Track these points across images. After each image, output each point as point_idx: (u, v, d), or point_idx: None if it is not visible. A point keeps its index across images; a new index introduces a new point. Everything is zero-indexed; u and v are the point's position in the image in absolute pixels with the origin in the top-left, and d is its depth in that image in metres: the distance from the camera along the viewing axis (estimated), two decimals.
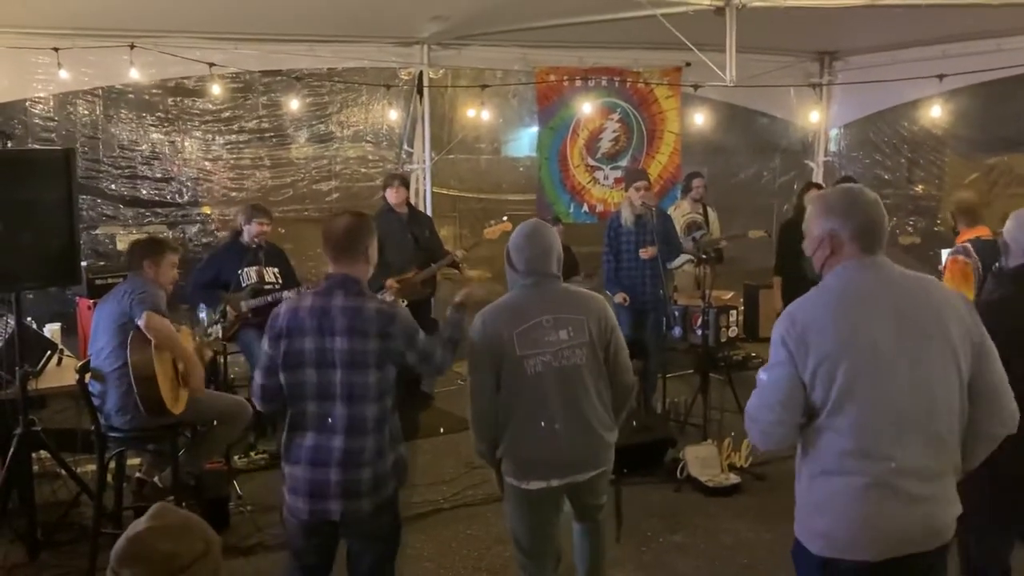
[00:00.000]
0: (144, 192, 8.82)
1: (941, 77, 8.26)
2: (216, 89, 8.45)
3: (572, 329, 3.69)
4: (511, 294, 3.83)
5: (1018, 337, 3.15)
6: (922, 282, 2.86)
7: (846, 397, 2.65)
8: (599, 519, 4.14)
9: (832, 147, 11.08)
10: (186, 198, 9.06)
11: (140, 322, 4.86)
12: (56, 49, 7.06)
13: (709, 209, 9.11)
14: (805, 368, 2.67)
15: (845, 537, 2.72)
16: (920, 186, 11.50)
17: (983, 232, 5.39)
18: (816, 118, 10.33)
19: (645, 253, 7.21)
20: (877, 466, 2.66)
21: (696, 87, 9.11)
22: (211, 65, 7.50)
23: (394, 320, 3.51)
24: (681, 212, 9.03)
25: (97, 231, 8.84)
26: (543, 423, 3.67)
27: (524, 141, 11.39)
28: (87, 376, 5.03)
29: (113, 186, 8.70)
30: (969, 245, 5.25)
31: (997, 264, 3.78)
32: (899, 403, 2.66)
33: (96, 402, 5.03)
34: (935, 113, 9.90)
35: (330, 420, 3.49)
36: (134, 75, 7.41)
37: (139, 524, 2.09)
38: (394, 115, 9.53)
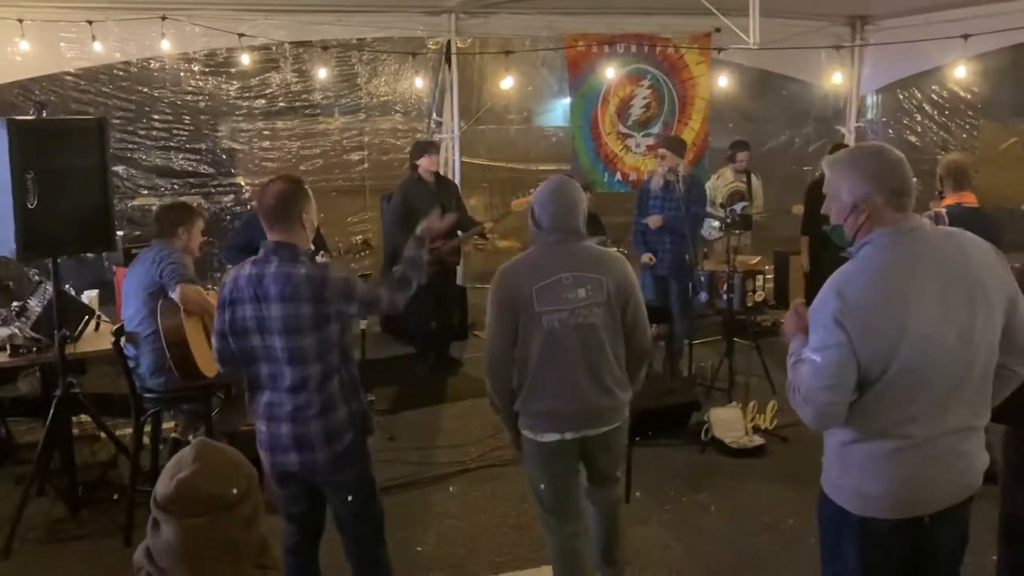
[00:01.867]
0: (178, 163, 8.97)
1: (966, 37, 8.13)
2: (246, 60, 8.55)
3: (591, 288, 3.73)
4: (533, 249, 3.84)
5: None
6: (957, 241, 2.83)
7: (899, 375, 2.66)
8: (615, 501, 4.16)
9: (867, 114, 10.99)
10: (220, 168, 9.18)
11: (174, 295, 4.97)
12: (90, 22, 7.20)
13: (754, 178, 9.09)
14: (863, 348, 2.65)
15: (885, 497, 2.74)
16: (954, 152, 11.37)
17: (968, 198, 5.26)
18: (839, 79, 10.22)
19: (651, 222, 7.25)
20: (926, 430, 2.70)
21: (720, 50, 9.07)
22: (240, 35, 7.60)
23: (325, 283, 3.51)
24: (724, 181, 9.04)
25: (133, 202, 9.00)
26: (558, 378, 3.72)
27: (557, 112, 11.40)
28: (122, 340, 5.16)
29: (147, 157, 8.86)
30: (943, 211, 5.11)
31: None
32: (948, 375, 2.68)
33: (131, 364, 5.16)
34: (966, 77, 9.77)
35: (279, 380, 3.58)
36: (165, 47, 7.53)
37: (185, 465, 2.12)
38: (422, 85, 9.60)
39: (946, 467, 2.75)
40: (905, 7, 9.35)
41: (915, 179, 2.88)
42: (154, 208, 9.00)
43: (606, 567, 4.16)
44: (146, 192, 8.82)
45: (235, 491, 2.12)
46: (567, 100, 10.03)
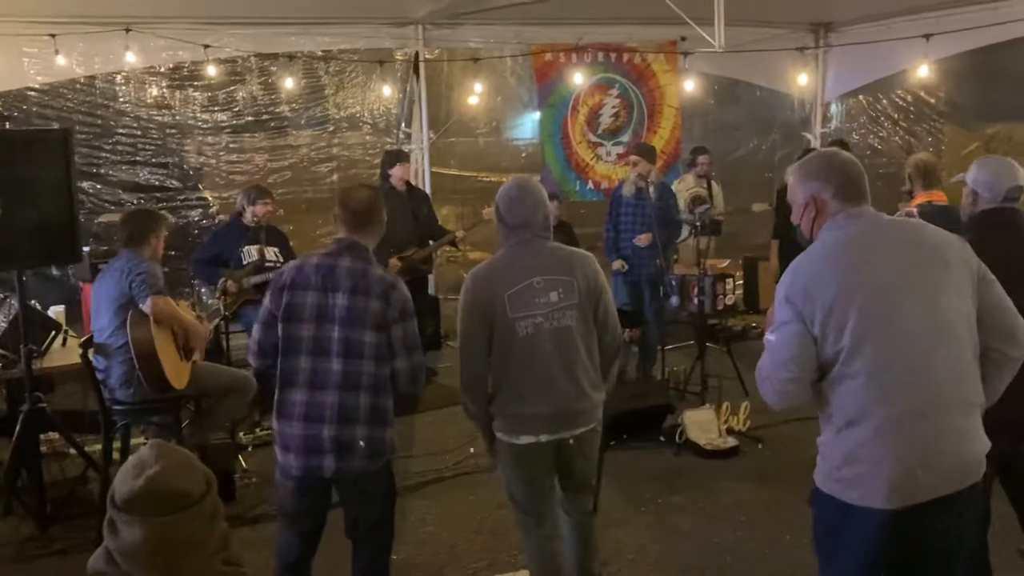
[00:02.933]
0: (144, 178, 8.88)
1: (928, 37, 8.26)
2: (212, 73, 8.51)
3: (563, 290, 3.71)
4: (501, 254, 3.82)
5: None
6: (915, 224, 2.94)
7: (861, 340, 2.67)
8: (588, 510, 4.12)
9: (832, 120, 11.11)
10: (186, 183, 9.11)
11: (145, 307, 4.92)
12: (52, 36, 7.13)
13: (713, 183, 9.16)
14: (814, 321, 2.69)
15: (879, 484, 2.71)
16: (921, 152, 11.50)
17: (938, 196, 5.33)
18: (804, 81, 10.33)
19: (640, 240, 7.28)
20: (904, 404, 2.68)
21: (686, 54, 9.15)
22: (206, 47, 7.56)
23: (395, 288, 3.63)
24: (685, 186, 9.10)
25: (100, 219, 8.90)
26: (534, 382, 3.70)
27: (527, 126, 11.41)
28: (90, 352, 5.10)
29: (113, 172, 8.75)
30: (914, 210, 5.17)
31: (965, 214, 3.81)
32: (916, 338, 2.68)
33: (100, 376, 5.10)
34: (929, 81, 9.91)
35: (324, 376, 3.57)
36: (130, 59, 7.47)
37: (148, 464, 2.08)
38: (390, 96, 9.59)
39: (938, 445, 2.70)
40: (866, 13, 9.48)
41: (879, 183, 2.95)
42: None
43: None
44: (112, 208, 8.70)
45: (199, 487, 2.10)
46: (537, 114, 10.09)
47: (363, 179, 9.41)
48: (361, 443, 3.59)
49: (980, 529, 3.63)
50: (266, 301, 3.73)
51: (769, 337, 2.81)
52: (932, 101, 10.52)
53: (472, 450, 6.24)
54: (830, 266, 2.76)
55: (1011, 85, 10.43)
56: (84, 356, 5.06)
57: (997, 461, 3.46)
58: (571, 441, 3.80)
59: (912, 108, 10.82)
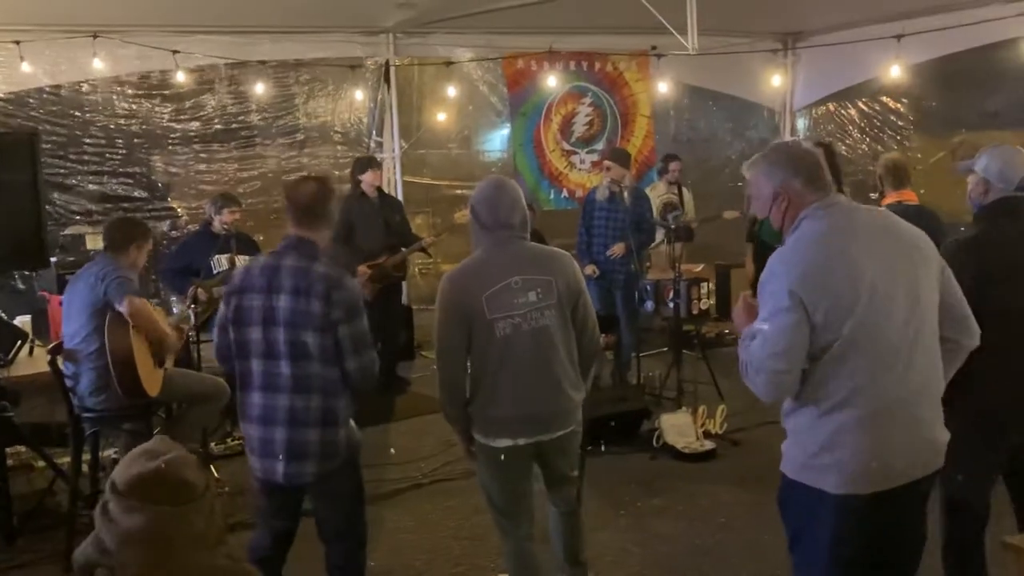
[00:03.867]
0: (112, 188, 8.73)
1: (899, 38, 8.36)
2: (181, 82, 8.42)
3: (541, 290, 3.66)
4: (477, 255, 3.76)
5: (1000, 268, 3.34)
6: (885, 215, 2.96)
7: (860, 329, 2.67)
8: (573, 501, 4.08)
9: (800, 129, 11.19)
10: (154, 193, 8.99)
11: (122, 308, 4.82)
12: (17, 42, 7.02)
13: (684, 190, 9.20)
14: (816, 311, 2.67)
15: (861, 469, 2.72)
16: (892, 152, 11.58)
17: (908, 196, 5.35)
18: (775, 88, 10.44)
19: (613, 252, 7.26)
20: (889, 394, 2.70)
21: (660, 56, 9.20)
22: (175, 52, 7.48)
23: (339, 287, 3.52)
24: (657, 193, 9.10)
25: (66, 231, 8.75)
26: (513, 384, 3.65)
27: (497, 138, 11.38)
28: (59, 359, 4.99)
29: (80, 183, 8.61)
30: (885, 209, 5.22)
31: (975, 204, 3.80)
32: (903, 329, 2.70)
33: (69, 383, 4.99)
34: (897, 89, 10.04)
35: (275, 379, 3.54)
36: (98, 65, 7.36)
37: (159, 453, 2.05)
38: (361, 106, 9.56)
39: (912, 434, 2.75)
40: (834, 23, 9.56)
41: (846, 190, 2.97)
42: (87, 237, 8.80)
43: (572, 568, 4.09)
44: (79, 218, 8.56)
45: (202, 482, 2.06)
46: (506, 129, 10.13)
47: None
48: (313, 446, 3.56)
49: (978, 527, 3.63)
50: (221, 306, 3.70)
51: (761, 327, 2.75)
52: (900, 108, 10.62)
53: (447, 462, 6.17)
54: (829, 257, 2.74)
55: (977, 93, 10.53)
56: (52, 363, 4.94)
57: (1007, 453, 3.51)
58: (551, 443, 3.76)
59: (879, 116, 10.91)
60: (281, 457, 3.55)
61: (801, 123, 11.34)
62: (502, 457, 3.71)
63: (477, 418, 3.74)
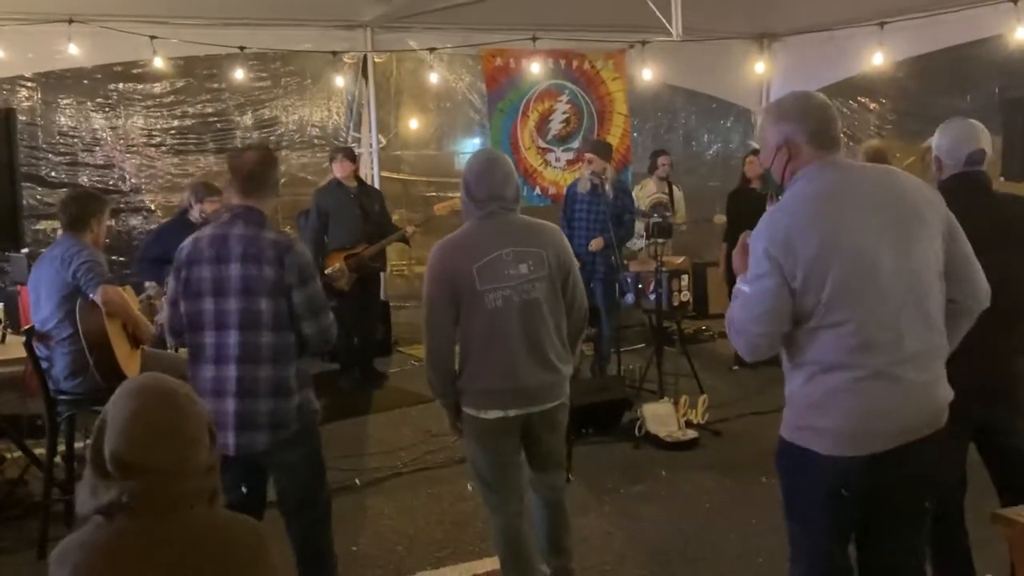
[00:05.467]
0: (85, 180, 8.59)
1: (882, 25, 8.47)
2: (158, 74, 8.34)
3: (532, 263, 3.64)
4: (468, 227, 3.74)
5: None
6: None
7: (840, 297, 2.64)
8: (560, 487, 4.02)
9: None
10: (129, 185, 8.86)
11: (96, 297, 4.71)
12: None
13: (675, 188, 9.15)
14: (794, 275, 2.65)
15: (850, 431, 2.70)
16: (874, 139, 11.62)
17: None
18: (755, 82, 10.47)
19: (593, 245, 7.23)
20: (880, 357, 2.67)
21: (644, 43, 9.22)
22: (152, 38, 7.39)
23: (290, 251, 3.50)
24: (647, 192, 9.06)
25: (38, 226, 8.60)
26: (502, 356, 3.62)
27: (473, 139, 11.31)
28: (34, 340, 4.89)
29: (53, 173, 8.47)
30: (893, 168, 5.22)
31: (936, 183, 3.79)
32: (891, 291, 2.67)
33: (44, 365, 4.89)
34: (871, 89, 10.12)
35: (225, 350, 3.49)
36: (73, 51, 7.25)
37: (161, 388, 2.04)
38: (339, 100, 9.50)
39: (906, 395, 2.71)
40: (811, 23, 9.62)
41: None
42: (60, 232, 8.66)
43: (554, 557, 4.00)
44: (53, 211, 8.41)
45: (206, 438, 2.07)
46: (477, 139, 10.15)
47: (311, 182, 9.28)
48: (263, 416, 3.51)
49: (957, 495, 3.62)
50: (170, 280, 3.65)
51: (743, 288, 2.76)
52: (877, 108, 10.69)
53: (428, 451, 6.12)
54: (809, 219, 2.71)
55: (955, 92, 10.56)
56: (28, 344, 4.84)
57: (971, 426, 3.48)
58: (539, 416, 3.73)
59: (856, 117, 10.97)
60: (232, 428, 3.49)
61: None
62: (492, 429, 3.67)
63: (466, 390, 3.69)
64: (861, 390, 2.68)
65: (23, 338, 5.15)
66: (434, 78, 9.30)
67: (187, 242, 3.64)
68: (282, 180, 9.05)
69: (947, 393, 2.81)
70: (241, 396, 3.48)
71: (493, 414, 3.66)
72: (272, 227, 3.59)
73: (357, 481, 5.66)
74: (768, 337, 2.74)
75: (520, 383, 3.64)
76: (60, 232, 5.11)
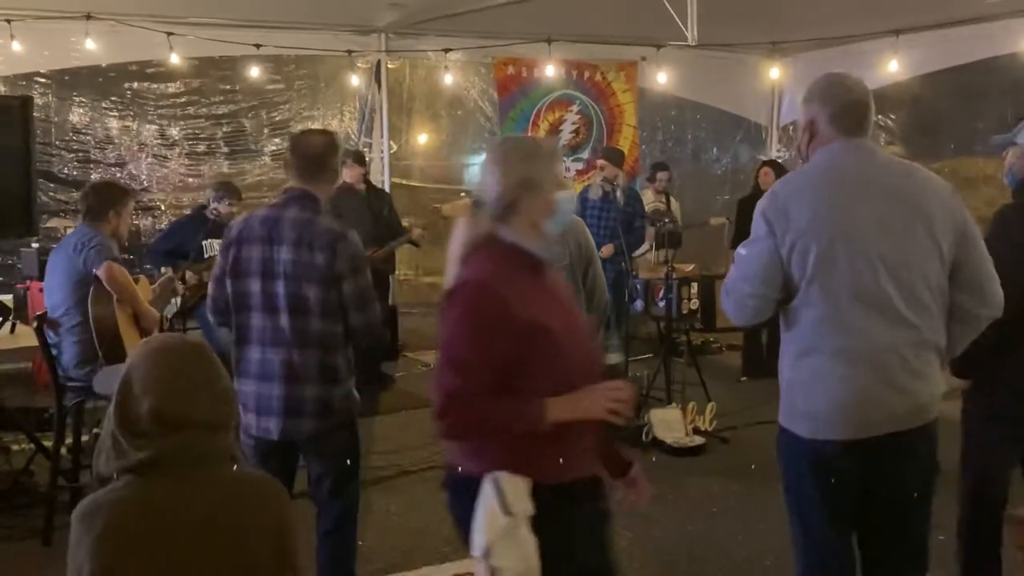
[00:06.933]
0: (97, 178, 8.55)
1: (898, 33, 8.49)
2: (172, 72, 8.38)
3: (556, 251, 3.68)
4: None
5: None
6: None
7: (821, 272, 2.67)
8: None
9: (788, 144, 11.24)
10: (141, 184, 8.88)
11: (99, 271, 4.72)
12: (9, 21, 6.93)
13: (672, 199, 9.19)
14: (783, 242, 2.69)
15: (828, 415, 2.72)
16: None
17: None
18: (777, 72, 10.47)
19: (603, 253, 7.22)
20: (864, 345, 2.67)
21: (659, 47, 9.27)
22: (169, 34, 7.42)
23: (343, 239, 3.44)
24: (645, 201, 9.08)
25: (48, 223, 8.62)
26: None
27: (484, 147, 11.35)
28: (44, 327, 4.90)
29: (66, 170, 8.50)
30: (913, 164, 5.20)
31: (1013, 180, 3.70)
32: (881, 285, 2.66)
33: (54, 351, 4.89)
34: (882, 106, 10.10)
35: (275, 333, 3.45)
36: (90, 46, 7.28)
37: (193, 344, 2.08)
38: (352, 105, 9.54)
39: (893, 387, 2.70)
40: (820, 36, 9.63)
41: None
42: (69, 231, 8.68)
43: None
44: (64, 209, 8.43)
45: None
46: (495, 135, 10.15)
47: None
48: (310, 403, 3.47)
49: (1000, 497, 3.55)
50: (219, 258, 3.62)
51: (740, 251, 2.82)
52: (887, 123, 10.69)
53: (435, 452, 6.08)
54: (809, 192, 2.76)
55: (965, 110, 10.56)
56: (39, 330, 4.84)
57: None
58: None
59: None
60: (277, 414, 3.46)
61: (792, 138, 11.36)
62: None
63: None
64: (849, 377, 2.70)
65: (31, 330, 5.19)
66: (448, 79, 9.30)
67: (238, 220, 3.61)
68: (292, 183, 9.11)
69: (935, 389, 2.80)
70: (288, 381, 3.44)
71: None
72: (327, 214, 3.53)
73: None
74: (756, 299, 2.78)
75: None
76: (80, 221, 5.13)
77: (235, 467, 2.04)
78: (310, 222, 3.43)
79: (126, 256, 7.83)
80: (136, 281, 5.05)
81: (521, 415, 2.38)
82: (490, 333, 2.34)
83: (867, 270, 2.67)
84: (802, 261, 2.68)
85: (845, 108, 2.80)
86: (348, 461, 3.70)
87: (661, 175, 9.06)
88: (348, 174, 7.64)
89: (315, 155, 3.54)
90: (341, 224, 3.53)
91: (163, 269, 5.56)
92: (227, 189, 6.83)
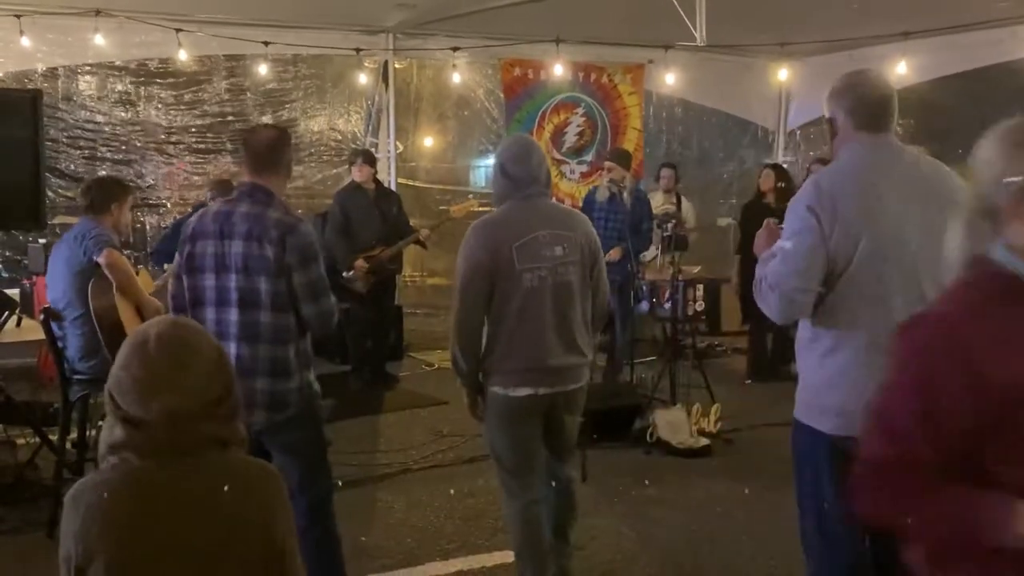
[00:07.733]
0: (103, 175, 8.61)
1: (906, 36, 8.46)
2: (180, 70, 8.40)
3: (567, 246, 3.69)
4: (507, 207, 3.75)
5: None
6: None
7: (862, 264, 2.68)
8: (573, 477, 4.10)
9: (794, 149, 11.24)
10: (146, 182, 8.90)
11: (100, 259, 4.71)
12: (18, 16, 6.95)
13: (683, 199, 9.18)
14: (831, 234, 2.69)
15: (855, 412, 2.69)
16: None
17: None
18: (784, 76, 10.43)
19: (611, 256, 7.21)
20: (888, 333, 2.67)
21: (667, 48, 9.26)
22: (178, 31, 7.44)
23: (292, 231, 3.43)
24: (655, 204, 9.07)
25: (54, 220, 8.62)
26: (534, 335, 3.65)
27: (490, 148, 11.36)
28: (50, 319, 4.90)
29: (72, 167, 8.51)
30: (936, 161, 5.23)
31: None
32: (910, 279, 2.68)
33: (59, 344, 4.89)
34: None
35: (226, 327, 3.46)
36: (99, 41, 7.29)
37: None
38: (359, 104, 9.54)
39: None
40: (829, 40, 9.62)
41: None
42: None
43: (558, 540, 4.00)
44: (70, 204, 8.43)
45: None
46: (501, 136, 10.15)
47: (329, 184, 9.32)
48: (259, 395, 3.45)
49: None
50: (176, 255, 3.65)
51: (784, 244, 2.78)
52: (898, 130, 10.66)
53: (438, 450, 6.09)
54: (855, 188, 2.76)
55: (975, 114, 10.53)
56: (45, 322, 4.84)
57: None
58: (564, 397, 3.77)
59: None
60: None
61: (798, 143, 11.36)
62: (520, 407, 3.69)
63: (496, 369, 3.70)
64: (872, 370, 2.66)
65: (37, 324, 5.19)
66: (456, 78, 9.30)
67: (194, 217, 3.65)
68: (299, 182, 9.14)
69: None
70: (239, 374, 3.43)
71: (523, 391, 3.67)
72: (279, 206, 3.52)
73: (339, 483, 5.63)
74: (804, 293, 2.75)
75: (550, 363, 3.67)
76: (82, 215, 5.13)
77: (232, 453, 2.03)
78: (260, 216, 3.44)
79: (127, 252, 7.92)
80: (136, 273, 5.05)
81: (983, 518, 1.63)
82: (941, 394, 1.70)
83: (907, 264, 2.68)
84: (847, 254, 2.68)
85: (862, 105, 2.82)
86: (312, 455, 3.66)
87: (664, 173, 9.06)
88: (358, 173, 7.66)
89: (266, 149, 3.56)
90: (292, 216, 3.53)
91: (165, 267, 5.54)
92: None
